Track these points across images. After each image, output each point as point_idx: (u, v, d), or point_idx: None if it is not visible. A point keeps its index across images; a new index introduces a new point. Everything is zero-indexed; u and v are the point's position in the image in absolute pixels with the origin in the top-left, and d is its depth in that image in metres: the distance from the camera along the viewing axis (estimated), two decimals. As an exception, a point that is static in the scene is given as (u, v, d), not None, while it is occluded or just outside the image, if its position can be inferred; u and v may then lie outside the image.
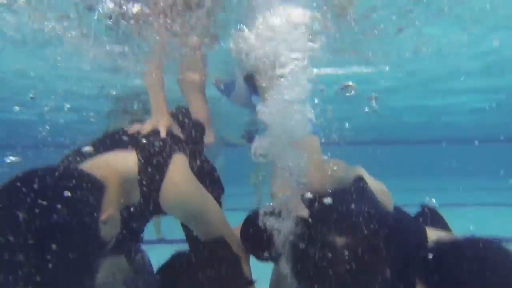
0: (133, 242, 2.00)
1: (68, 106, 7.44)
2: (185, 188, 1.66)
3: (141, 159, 1.58)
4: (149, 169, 1.56)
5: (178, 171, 1.63)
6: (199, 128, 2.32)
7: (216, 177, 2.16)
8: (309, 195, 1.65)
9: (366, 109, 4.56)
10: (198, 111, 2.60)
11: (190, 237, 1.91)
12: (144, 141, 1.67)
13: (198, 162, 1.98)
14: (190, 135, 2.13)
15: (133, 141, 1.69)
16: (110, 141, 1.72)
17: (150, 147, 1.62)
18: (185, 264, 1.72)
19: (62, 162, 1.61)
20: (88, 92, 6.39)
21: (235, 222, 1.97)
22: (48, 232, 1.16)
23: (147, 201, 1.59)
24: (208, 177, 2.01)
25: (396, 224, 1.53)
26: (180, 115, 2.28)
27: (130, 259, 1.96)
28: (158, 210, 1.65)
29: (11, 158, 3.37)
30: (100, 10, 2.50)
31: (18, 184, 1.19)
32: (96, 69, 4.70)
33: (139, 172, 1.55)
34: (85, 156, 1.58)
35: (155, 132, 1.81)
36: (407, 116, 11.70)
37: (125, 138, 1.72)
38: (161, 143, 1.66)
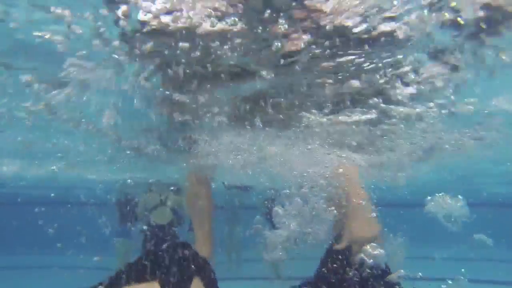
0: None
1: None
2: None
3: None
4: None
5: None
6: (206, 264, 2.55)
7: None
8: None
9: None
10: (203, 249, 2.93)
11: None
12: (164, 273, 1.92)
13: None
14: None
15: (155, 273, 1.94)
16: (134, 272, 1.94)
17: (171, 277, 1.89)
18: None
19: None
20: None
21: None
22: None
23: None
24: None
25: None
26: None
27: None
28: None
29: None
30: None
31: None
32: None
33: None
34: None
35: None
36: None
37: (147, 269, 1.95)
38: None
